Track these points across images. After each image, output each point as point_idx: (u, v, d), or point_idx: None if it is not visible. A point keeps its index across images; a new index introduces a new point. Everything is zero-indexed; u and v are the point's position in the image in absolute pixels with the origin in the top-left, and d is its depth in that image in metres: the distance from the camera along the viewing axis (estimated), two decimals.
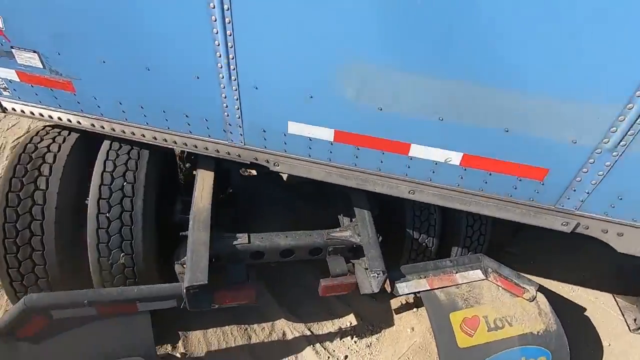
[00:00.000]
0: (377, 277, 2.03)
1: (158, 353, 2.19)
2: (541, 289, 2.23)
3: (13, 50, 1.84)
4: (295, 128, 1.72)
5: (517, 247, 3.31)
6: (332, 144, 1.73)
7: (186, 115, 1.86)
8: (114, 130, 2.05)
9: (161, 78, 1.72)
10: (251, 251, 2.05)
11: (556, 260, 3.24)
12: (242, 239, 2.04)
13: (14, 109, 2.14)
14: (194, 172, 3.22)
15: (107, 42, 1.66)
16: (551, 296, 2.56)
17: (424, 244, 2.50)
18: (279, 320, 2.63)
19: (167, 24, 1.54)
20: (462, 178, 1.70)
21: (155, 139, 2.02)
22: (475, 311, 2.10)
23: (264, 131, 1.79)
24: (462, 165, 1.64)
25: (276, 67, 1.54)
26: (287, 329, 2.60)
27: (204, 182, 2.20)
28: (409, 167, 1.72)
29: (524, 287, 2.18)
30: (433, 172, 1.70)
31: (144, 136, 2.02)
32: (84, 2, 1.56)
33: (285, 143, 1.80)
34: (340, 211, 2.50)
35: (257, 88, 1.63)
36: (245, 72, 1.60)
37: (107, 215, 1.96)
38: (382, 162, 1.74)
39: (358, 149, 1.71)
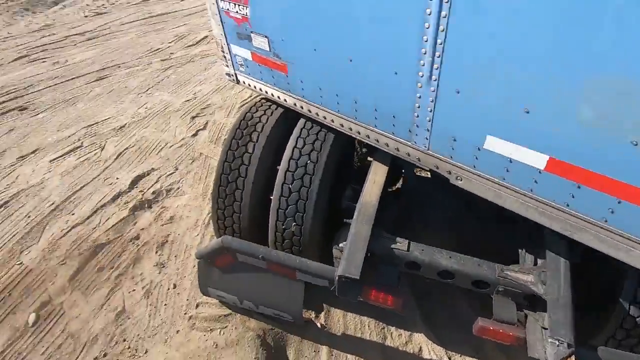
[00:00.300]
0: (558, 347, 1.58)
1: (303, 316, 2.43)
2: None
3: (252, 34, 2.19)
4: (494, 144, 1.43)
5: None
6: (540, 172, 1.36)
7: (375, 109, 1.82)
8: (310, 111, 2.23)
9: (360, 70, 1.71)
10: (408, 260, 1.93)
11: None
12: (401, 244, 1.94)
13: (244, 82, 2.61)
14: (369, 159, 3.28)
15: (321, 32, 1.75)
16: None
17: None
18: (418, 334, 2.47)
19: (376, 16, 1.48)
20: None
21: (342, 126, 2.09)
22: None
23: (454, 140, 1.57)
24: None
25: (490, 70, 1.28)
26: (425, 346, 2.42)
27: (376, 176, 2.17)
28: None
29: None
30: None
31: (332, 122, 2.12)
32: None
33: (477, 158, 1.53)
34: (523, 244, 2.05)
35: (458, 92, 1.41)
36: (450, 73, 1.40)
37: (290, 186, 2.20)
38: (613, 212, 1.26)
39: (579, 187, 1.29)
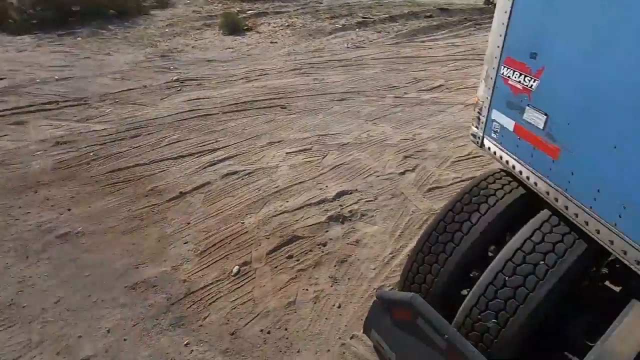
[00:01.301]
0: None
1: None
2: None
3: (527, 107, 2.03)
4: None
5: None
6: None
7: None
8: (566, 208, 1.87)
9: None
10: None
11: None
12: None
13: (489, 148, 2.46)
14: (605, 283, 2.54)
15: (631, 134, 1.42)
16: None
17: None
18: None
19: None
20: None
21: (611, 243, 1.65)
22: None
23: None
24: None
25: None
26: None
27: (638, 322, 1.62)
28: None
29: None
30: None
31: (598, 233, 1.71)
32: (626, 87, 1.38)
33: None
34: None
35: None
36: None
37: (506, 279, 1.91)
38: None
39: None
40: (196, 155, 5.01)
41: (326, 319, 2.81)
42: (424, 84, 7.51)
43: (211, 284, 3.10)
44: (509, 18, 2.13)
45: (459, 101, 6.56)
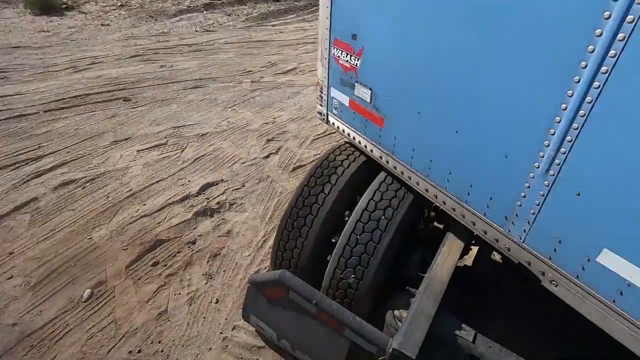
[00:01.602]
0: None
1: None
2: None
3: (356, 84, 2.27)
4: (610, 260, 1.28)
5: None
6: None
7: (470, 186, 1.74)
8: (395, 168, 2.21)
9: (464, 143, 1.67)
10: (470, 353, 1.75)
11: None
12: (467, 333, 1.78)
13: (333, 124, 2.69)
14: (435, 224, 3.15)
15: (433, 100, 1.75)
16: None
17: None
18: None
19: (501, 99, 1.45)
20: None
21: (427, 191, 2.03)
22: None
23: (559, 242, 1.44)
24: None
25: (626, 182, 1.17)
26: None
27: (450, 250, 2.06)
28: None
29: None
30: None
31: (418, 184, 2.08)
32: (426, 64, 1.69)
33: (584, 269, 1.38)
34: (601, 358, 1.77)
35: (579, 195, 1.31)
36: (574, 173, 1.30)
37: (358, 237, 2.15)
38: None
39: None
40: (12, 168, 3.99)
41: (204, 318, 2.68)
42: (279, 67, 7.66)
43: (55, 318, 2.58)
44: (332, 2, 2.30)
45: (311, 83, 6.94)
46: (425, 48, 1.73)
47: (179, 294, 2.85)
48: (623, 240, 1.23)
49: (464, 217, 1.86)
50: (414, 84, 1.85)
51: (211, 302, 2.80)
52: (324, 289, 2.28)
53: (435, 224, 3.12)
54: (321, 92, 2.70)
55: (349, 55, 2.27)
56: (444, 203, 1.95)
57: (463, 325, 1.81)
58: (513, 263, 1.70)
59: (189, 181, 4.07)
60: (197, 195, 3.86)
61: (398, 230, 2.14)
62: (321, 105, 2.77)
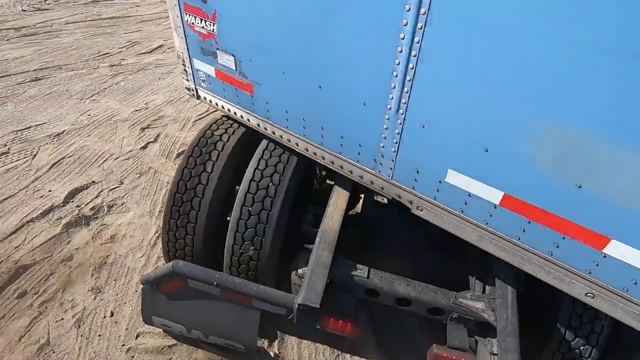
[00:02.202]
0: None
1: (256, 346, 2.30)
2: None
3: (218, 51, 2.13)
4: (454, 178, 1.51)
5: None
6: (496, 207, 1.45)
7: (341, 137, 1.84)
8: (274, 133, 2.20)
9: (329, 97, 1.73)
10: (367, 287, 1.93)
11: None
12: (361, 271, 1.94)
13: (205, 98, 2.52)
14: (327, 182, 3.30)
15: (292, 57, 1.76)
16: None
17: (577, 350, 1.95)
18: None
19: (350, 51, 1.52)
20: None
21: (307, 150, 2.08)
22: None
23: (417, 172, 1.63)
24: None
25: (454, 110, 1.36)
26: None
27: (338, 201, 2.18)
28: (597, 265, 1.31)
29: None
30: (635, 283, 1.26)
31: (297, 145, 2.11)
32: (279, 21, 1.67)
33: (438, 190, 1.60)
34: (473, 272, 2.15)
35: (424, 127, 1.48)
36: (416, 109, 1.46)
37: (250, 208, 2.12)
38: (558, 246, 1.37)
39: (529, 222, 1.39)
40: None
41: (100, 335, 2.39)
42: (142, 46, 6.81)
43: None
44: None
45: None
46: (277, 6, 1.69)
47: (62, 319, 2.46)
48: (462, 160, 1.45)
49: (342, 167, 1.97)
50: (272, 44, 1.81)
51: (105, 316, 2.50)
52: (226, 268, 2.22)
53: (328, 181, 3.28)
54: (184, 65, 2.48)
55: (203, 21, 2.10)
56: (323, 158, 2.03)
57: (357, 265, 1.97)
58: (390, 199, 1.88)
59: (50, 191, 3.44)
60: (63, 205, 3.29)
61: (288, 193, 2.17)
62: (187, 80, 2.55)
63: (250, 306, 1.98)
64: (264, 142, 2.34)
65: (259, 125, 2.26)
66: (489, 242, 1.55)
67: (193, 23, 2.17)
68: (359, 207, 2.99)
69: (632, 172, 1.09)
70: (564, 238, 1.34)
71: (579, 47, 1.02)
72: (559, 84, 1.09)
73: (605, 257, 1.28)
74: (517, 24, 1.10)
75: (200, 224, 2.19)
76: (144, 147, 4.16)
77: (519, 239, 1.46)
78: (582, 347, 1.93)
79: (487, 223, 1.52)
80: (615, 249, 1.24)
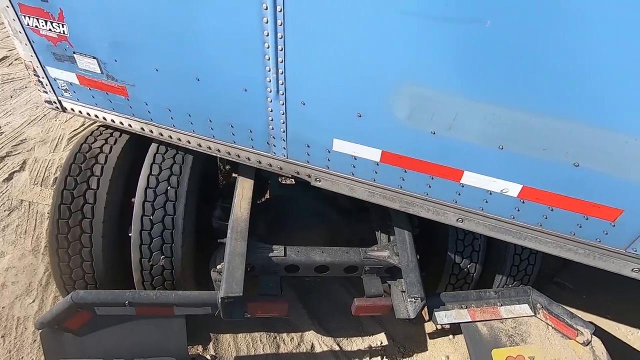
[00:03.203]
0: (415, 303, 1.93)
1: (189, 353, 2.24)
2: (596, 330, 2.02)
3: (75, 55, 1.92)
4: (340, 146, 1.66)
5: (569, 278, 3.05)
6: (377, 164, 1.65)
7: (231, 126, 1.85)
8: (161, 135, 2.09)
9: (210, 89, 1.72)
10: (286, 264, 2.02)
11: (612, 297, 2.95)
12: (278, 251, 2.02)
13: (72, 109, 2.26)
14: (234, 175, 3.28)
15: (161, 52, 1.69)
16: (605, 337, 2.33)
17: (465, 269, 2.36)
18: (308, 331, 2.60)
19: (219, 37, 1.53)
20: (518, 210, 1.56)
21: (200, 146, 2.04)
22: (521, 350, 1.94)
23: (308, 146, 1.75)
24: (520, 197, 1.50)
25: (326, 83, 1.49)
26: (315, 341, 2.56)
27: (243, 190, 2.20)
28: (459, 195, 1.61)
29: (577, 329, 1.99)
30: (486, 202, 1.58)
31: (189, 143, 2.05)
32: (140, 13, 1.59)
33: (329, 160, 1.75)
34: (378, 227, 2.41)
35: (304, 104, 1.59)
36: (294, 87, 1.56)
37: (151, 217, 2.01)
38: (430, 186, 1.63)
39: (405, 171, 1.62)
40: None
41: None
42: None
43: None
44: None
45: None
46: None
47: None
48: (342, 128, 1.61)
49: (239, 156, 1.99)
50: (136, 40, 1.71)
51: None
52: (138, 285, 2.09)
53: (234, 175, 3.25)
54: (36, 75, 2.17)
55: (49, 23, 1.86)
56: (219, 151, 2.02)
57: (273, 246, 2.04)
58: (290, 177, 1.98)
59: None
60: None
61: (190, 193, 2.11)
62: (45, 92, 2.25)
63: (172, 315, 1.90)
64: (154, 146, 2.21)
65: (143, 129, 2.13)
66: (380, 196, 1.76)
67: (37, 26, 1.90)
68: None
69: (470, 114, 1.35)
70: (432, 178, 1.60)
71: (404, 16, 1.21)
72: (401, 51, 1.29)
73: (463, 186, 1.57)
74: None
75: (97, 247, 2.00)
76: (8, 179, 3.53)
77: (401, 187, 1.69)
78: (468, 266, 2.35)
79: (374, 180, 1.72)
80: (469, 178, 1.54)
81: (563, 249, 1.59)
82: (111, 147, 2.18)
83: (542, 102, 1.23)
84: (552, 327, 2.03)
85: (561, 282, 3.03)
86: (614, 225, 1.44)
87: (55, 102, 2.26)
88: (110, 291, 1.81)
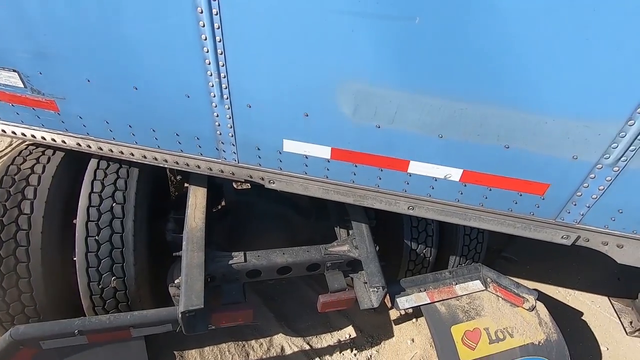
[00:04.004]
0: (377, 292, 2.00)
1: None
2: (539, 296, 2.22)
3: None
4: (290, 146, 1.67)
5: (513, 251, 3.31)
6: (329, 161, 1.68)
7: (177, 134, 1.79)
8: (101, 149, 1.97)
9: (150, 97, 1.65)
10: (247, 270, 1.99)
11: (551, 264, 3.26)
12: (237, 257, 1.99)
13: None
14: (186, 185, 3.16)
15: (91, 61, 1.58)
16: (548, 301, 2.57)
17: (422, 254, 2.48)
18: (276, 335, 2.59)
19: (155, 42, 1.47)
20: (461, 194, 1.67)
21: (144, 157, 1.95)
22: (477, 323, 2.08)
23: (258, 149, 1.74)
24: (462, 181, 1.61)
25: (270, 85, 1.49)
26: (285, 343, 2.55)
27: (196, 199, 2.14)
28: (407, 184, 1.68)
29: (523, 297, 2.17)
30: (432, 188, 1.67)
31: (132, 155, 1.95)
32: (64, 20, 1.48)
33: (281, 161, 1.75)
34: (336, 223, 2.46)
35: (250, 106, 1.58)
36: (238, 91, 1.54)
37: (97, 238, 1.88)
38: (380, 178, 1.70)
39: (356, 166, 1.67)
40: None
41: None
42: None
43: None
44: None
45: None
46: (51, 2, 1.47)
47: None
48: (290, 128, 1.62)
49: (188, 165, 1.93)
50: (61, 49, 1.58)
51: None
52: (89, 311, 1.95)
53: (186, 185, 3.14)
54: None
55: None
56: (166, 161, 1.94)
57: (233, 253, 2.01)
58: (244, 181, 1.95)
59: None
60: None
61: (138, 208, 2.00)
62: None
63: (130, 338, 1.80)
64: (93, 162, 2.07)
65: (79, 144, 1.98)
66: (334, 192, 1.80)
67: None
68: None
69: (410, 107, 1.42)
70: (382, 170, 1.66)
71: (338, 15, 1.24)
72: (339, 50, 1.33)
73: (411, 176, 1.65)
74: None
75: (37, 276, 1.83)
76: None
77: (353, 182, 1.74)
78: (424, 251, 2.47)
79: (327, 177, 1.75)
80: (415, 167, 1.62)
81: (503, 224, 1.72)
82: (44, 167, 2.01)
83: (472, 91, 1.33)
84: (502, 298, 2.20)
85: (508, 255, 3.29)
86: (543, 199, 1.59)
87: None
88: (56, 321, 1.67)
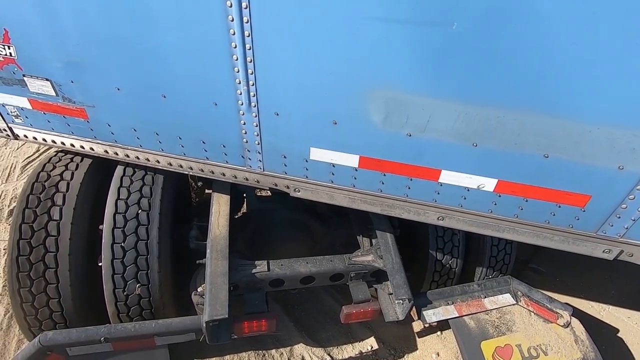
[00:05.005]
0: (403, 305, 1.93)
1: None
2: (573, 311, 2.11)
3: (25, 78, 1.79)
4: (317, 154, 1.64)
5: (542, 262, 3.19)
6: (356, 170, 1.65)
7: (203, 142, 1.79)
8: (127, 156, 1.99)
9: (178, 105, 1.65)
10: (271, 279, 1.97)
11: (582, 277, 3.12)
12: (261, 266, 1.96)
13: (26, 136, 2.10)
14: (207, 191, 3.18)
15: (122, 70, 1.60)
16: (581, 316, 2.44)
17: (447, 265, 2.40)
18: (297, 345, 2.54)
19: (185, 51, 1.47)
20: (495, 204, 1.60)
21: (170, 165, 1.95)
22: (508, 339, 1.99)
23: (285, 157, 1.71)
24: (496, 191, 1.55)
25: (298, 92, 1.47)
26: (306, 354, 2.51)
27: (220, 207, 2.13)
28: (438, 194, 1.63)
29: (557, 312, 2.07)
30: (464, 198, 1.61)
31: (158, 162, 1.96)
32: (96, 31, 1.50)
33: (307, 169, 1.72)
34: (359, 232, 2.41)
35: (278, 114, 1.56)
36: (266, 98, 1.52)
37: (122, 244, 1.89)
38: (409, 188, 1.65)
39: (384, 175, 1.63)
40: None
41: None
42: None
43: None
44: None
45: None
46: (86, 13, 1.49)
47: None
48: (318, 136, 1.59)
49: (213, 173, 1.92)
50: (93, 58, 1.61)
51: None
52: (113, 318, 1.95)
53: (207, 191, 3.15)
54: None
55: None
56: (191, 169, 1.94)
57: (256, 262, 1.98)
58: (270, 190, 1.93)
59: None
60: None
61: (163, 215, 2.01)
62: None
63: (154, 346, 1.80)
64: (120, 169, 2.09)
65: (106, 152, 2.01)
66: (360, 202, 1.76)
67: None
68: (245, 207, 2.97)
69: (443, 114, 1.38)
70: (411, 180, 1.61)
71: (370, 22, 1.21)
72: (370, 57, 1.29)
73: (442, 185, 1.60)
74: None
75: (64, 282, 1.85)
76: None
77: (381, 191, 1.69)
78: (450, 261, 2.39)
79: (354, 185, 1.71)
80: (447, 176, 1.56)
81: (539, 237, 1.64)
82: (72, 174, 2.04)
83: (510, 97, 1.28)
84: (534, 313, 2.10)
85: (535, 267, 3.16)
86: (584, 211, 1.51)
87: (5, 130, 2.09)
88: (83, 328, 1.67)
